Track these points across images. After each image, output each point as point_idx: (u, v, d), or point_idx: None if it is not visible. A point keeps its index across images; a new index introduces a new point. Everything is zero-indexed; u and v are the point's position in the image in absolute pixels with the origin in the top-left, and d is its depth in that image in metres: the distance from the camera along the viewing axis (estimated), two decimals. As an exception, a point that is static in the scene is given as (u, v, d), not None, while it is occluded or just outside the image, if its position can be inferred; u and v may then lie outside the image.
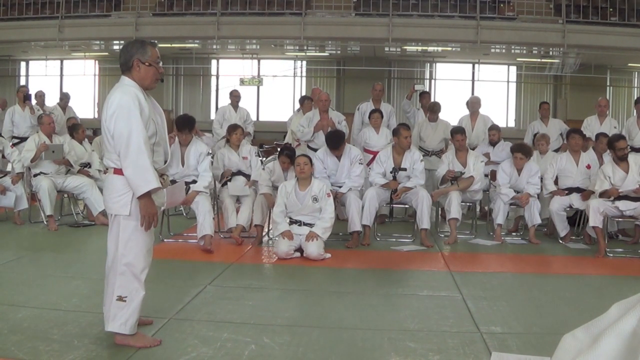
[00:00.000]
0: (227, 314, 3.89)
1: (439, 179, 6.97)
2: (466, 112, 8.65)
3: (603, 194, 6.05)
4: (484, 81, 14.99)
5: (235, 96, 9.33)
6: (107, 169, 3.34)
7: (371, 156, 7.26)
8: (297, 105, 10.25)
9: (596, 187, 6.17)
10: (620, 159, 6.12)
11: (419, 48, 14.01)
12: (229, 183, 6.65)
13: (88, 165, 7.67)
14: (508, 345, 3.40)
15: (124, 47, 3.30)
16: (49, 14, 12.64)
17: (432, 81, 15.44)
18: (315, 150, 7.17)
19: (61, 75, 16.08)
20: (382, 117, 7.72)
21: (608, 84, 14.74)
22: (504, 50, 13.61)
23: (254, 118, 14.91)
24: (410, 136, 6.73)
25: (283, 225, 5.74)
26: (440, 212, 7.26)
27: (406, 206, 6.75)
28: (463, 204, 6.90)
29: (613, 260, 5.89)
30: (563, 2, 11.83)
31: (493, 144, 7.69)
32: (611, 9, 12.01)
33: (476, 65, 15.14)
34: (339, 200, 6.43)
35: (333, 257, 5.66)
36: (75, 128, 7.89)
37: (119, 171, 3.15)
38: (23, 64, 16.10)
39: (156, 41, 3.43)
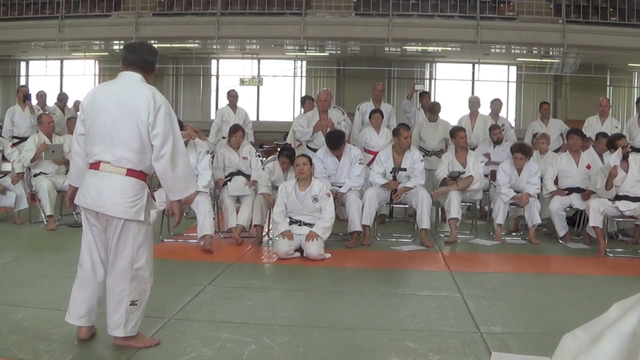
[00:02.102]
0: (227, 314, 3.89)
1: (438, 180, 6.97)
2: (466, 112, 8.66)
3: (608, 183, 6.00)
4: (484, 81, 14.99)
5: (233, 96, 9.32)
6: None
7: (371, 156, 7.26)
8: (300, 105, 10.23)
9: (597, 185, 6.17)
10: (622, 158, 6.11)
11: (419, 48, 14.02)
12: (228, 183, 6.66)
13: None
14: (508, 345, 3.40)
15: (152, 48, 3.26)
16: (49, 14, 12.64)
17: (432, 81, 15.44)
18: (315, 150, 7.17)
19: (61, 75, 16.08)
20: (382, 117, 7.72)
21: (608, 84, 14.74)
22: (504, 50, 13.61)
23: (253, 118, 15.01)
24: (410, 136, 6.73)
25: (283, 225, 5.74)
26: (440, 212, 7.26)
27: (406, 206, 6.74)
28: (463, 204, 6.89)
29: (613, 260, 5.89)
30: (563, 2, 11.83)
31: (498, 142, 7.67)
32: (611, 9, 12.01)
33: (476, 65, 15.15)
34: (339, 200, 6.43)
35: (333, 257, 5.66)
36: None
37: (135, 173, 3.06)
38: (23, 64, 16.11)
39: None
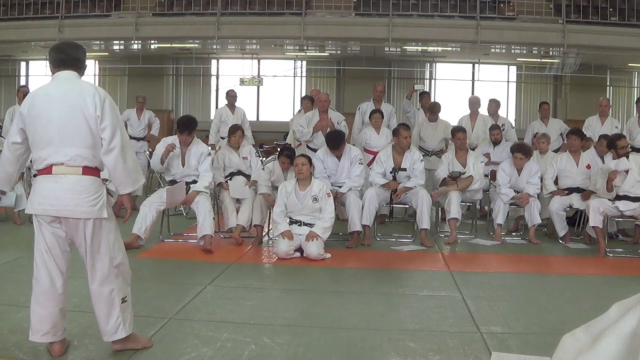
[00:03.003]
0: (227, 314, 3.90)
1: (438, 180, 6.97)
2: (466, 112, 8.65)
3: (607, 185, 6.00)
4: (484, 81, 14.98)
5: (231, 96, 9.34)
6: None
7: (371, 156, 7.26)
8: (299, 105, 10.24)
9: (597, 185, 6.17)
10: (621, 158, 6.11)
11: (419, 48, 14.01)
12: (229, 184, 6.65)
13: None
14: (508, 345, 3.40)
15: (80, 46, 3.17)
16: (49, 14, 12.64)
17: (432, 81, 15.43)
18: (315, 150, 7.17)
19: (61, 75, 16.06)
20: (382, 117, 7.72)
21: (608, 84, 14.73)
22: (504, 50, 13.61)
23: (254, 118, 15.02)
24: (410, 136, 6.72)
25: (283, 225, 5.74)
26: (440, 212, 7.26)
27: (406, 206, 6.74)
28: (463, 204, 6.90)
29: (613, 260, 5.89)
30: (563, 2, 11.83)
31: (496, 143, 7.68)
32: (611, 9, 12.01)
33: (476, 65, 15.14)
34: (339, 200, 6.43)
35: (333, 257, 5.66)
36: None
37: (90, 170, 2.98)
38: (23, 64, 16.09)
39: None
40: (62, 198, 2.93)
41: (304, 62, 15.63)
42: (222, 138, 8.99)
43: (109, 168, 3.02)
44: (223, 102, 10.22)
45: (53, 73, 3.11)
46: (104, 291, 3.04)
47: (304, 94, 12.04)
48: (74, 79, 3.06)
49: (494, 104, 8.75)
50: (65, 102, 2.97)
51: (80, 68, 3.11)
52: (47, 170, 2.97)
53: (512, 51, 13.66)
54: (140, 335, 3.28)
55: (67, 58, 3.08)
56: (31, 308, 3.05)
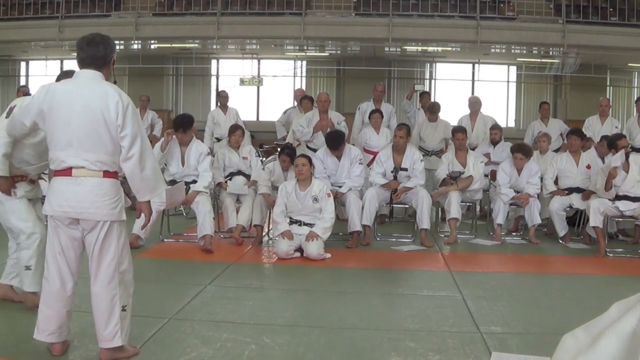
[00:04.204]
0: (227, 314, 3.90)
1: (438, 180, 6.97)
2: (466, 112, 8.64)
3: (607, 184, 5.99)
4: (484, 81, 14.97)
5: (223, 97, 9.35)
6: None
7: (371, 156, 7.26)
8: (299, 106, 10.20)
9: (597, 185, 6.17)
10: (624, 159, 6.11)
11: (419, 48, 14.00)
12: (228, 182, 6.67)
13: None
14: (508, 345, 3.40)
15: (105, 39, 3.06)
16: (49, 14, 12.63)
17: (432, 81, 15.42)
18: (315, 150, 7.17)
19: (61, 75, 16.05)
20: (382, 117, 7.72)
21: (608, 84, 14.72)
22: (504, 50, 13.60)
23: (254, 118, 15.00)
24: (402, 136, 6.59)
25: (283, 225, 5.74)
26: (440, 212, 7.26)
27: (406, 206, 6.75)
28: (463, 204, 6.90)
29: (613, 260, 5.89)
30: (563, 2, 11.82)
31: (495, 143, 7.68)
32: (611, 9, 12.00)
33: (476, 65, 15.11)
34: (339, 200, 6.43)
35: (333, 257, 5.66)
36: None
37: (110, 174, 2.98)
38: (23, 64, 16.07)
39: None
40: (83, 200, 2.93)
41: (304, 62, 15.61)
42: (218, 139, 9.00)
43: (126, 175, 3.03)
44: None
45: (79, 69, 3.08)
46: (107, 296, 3.00)
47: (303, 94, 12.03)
48: (95, 79, 3.01)
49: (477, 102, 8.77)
50: (87, 106, 2.93)
51: (101, 66, 3.04)
52: (67, 172, 2.95)
53: (512, 51, 13.65)
54: (140, 335, 3.28)
55: (85, 57, 3.03)
56: (39, 307, 3.05)
